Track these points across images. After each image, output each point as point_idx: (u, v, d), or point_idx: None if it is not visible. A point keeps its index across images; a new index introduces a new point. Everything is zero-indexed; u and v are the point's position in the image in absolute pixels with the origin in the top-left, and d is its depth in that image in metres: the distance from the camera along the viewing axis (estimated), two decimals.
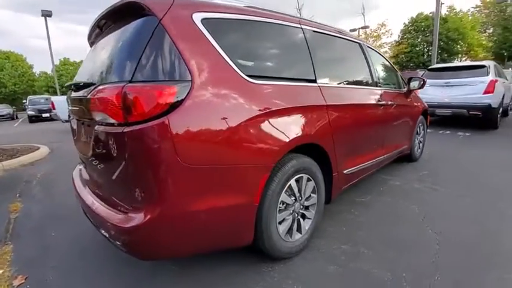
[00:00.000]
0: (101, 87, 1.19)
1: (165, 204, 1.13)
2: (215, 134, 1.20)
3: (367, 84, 2.47)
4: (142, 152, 1.08)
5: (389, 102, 2.67)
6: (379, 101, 2.49)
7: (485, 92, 5.66)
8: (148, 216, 1.11)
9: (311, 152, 1.72)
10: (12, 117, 19.13)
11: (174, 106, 1.10)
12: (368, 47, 2.67)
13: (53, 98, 8.88)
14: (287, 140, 1.47)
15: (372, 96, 2.44)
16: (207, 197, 1.23)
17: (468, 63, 6.98)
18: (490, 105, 5.62)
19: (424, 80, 3.07)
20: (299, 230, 1.73)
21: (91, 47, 1.90)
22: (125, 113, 1.08)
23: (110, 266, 1.71)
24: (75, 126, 1.79)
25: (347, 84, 2.21)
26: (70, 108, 1.67)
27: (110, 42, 1.38)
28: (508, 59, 22.18)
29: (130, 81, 1.09)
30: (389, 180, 3.08)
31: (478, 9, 32.66)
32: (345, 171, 2.07)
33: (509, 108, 7.97)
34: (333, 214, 2.25)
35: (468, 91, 5.83)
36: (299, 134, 1.55)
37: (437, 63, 13.18)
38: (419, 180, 3.02)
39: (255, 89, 1.39)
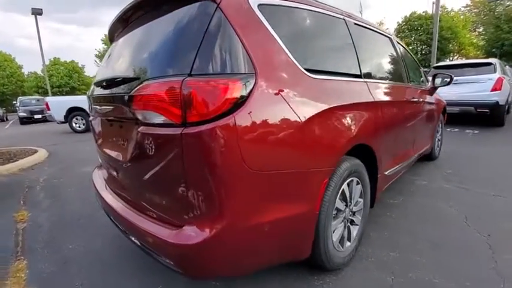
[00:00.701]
0: (149, 82, 1.02)
1: (230, 216, 0.97)
2: (280, 135, 1.05)
3: (401, 80, 2.35)
4: (206, 157, 0.92)
5: (420, 100, 2.56)
6: (412, 98, 2.38)
7: (493, 90, 5.64)
8: (212, 231, 0.95)
9: (358, 154, 1.58)
10: (1, 119, 18.49)
11: (240, 103, 0.95)
12: (397, 41, 2.56)
13: (48, 99, 8.54)
14: (345, 140, 1.33)
15: (406, 93, 2.32)
16: (272, 206, 1.08)
17: (474, 60, 6.98)
18: (497, 102, 5.61)
19: (451, 76, 2.97)
20: (349, 237, 1.59)
21: (112, 42, 1.73)
22: (184, 111, 0.92)
23: (139, 281, 1.54)
24: (99, 128, 1.62)
25: (386, 80, 2.08)
26: (97, 107, 1.49)
27: (149, 33, 1.21)
28: (500, 58, 22.59)
29: (189, 75, 0.93)
30: (416, 180, 2.97)
31: (468, 8, 33.30)
32: (386, 173, 1.95)
33: (510, 105, 8.03)
34: (371, 218, 2.12)
35: (476, 88, 5.80)
36: (355, 134, 1.41)
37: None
38: (445, 180, 2.93)
39: (314, 84, 1.24)
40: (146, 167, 1.09)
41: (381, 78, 1.99)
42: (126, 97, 1.11)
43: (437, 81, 3.07)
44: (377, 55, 2.15)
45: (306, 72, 1.22)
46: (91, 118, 1.76)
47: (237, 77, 0.96)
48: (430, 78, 3.19)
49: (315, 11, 1.44)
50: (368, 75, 1.75)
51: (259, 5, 1.13)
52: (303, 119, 1.12)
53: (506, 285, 1.41)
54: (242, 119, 0.94)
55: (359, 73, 1.66)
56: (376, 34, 2.15)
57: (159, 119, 0.99)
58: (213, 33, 0.97)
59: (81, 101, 8.24)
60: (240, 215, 1.00)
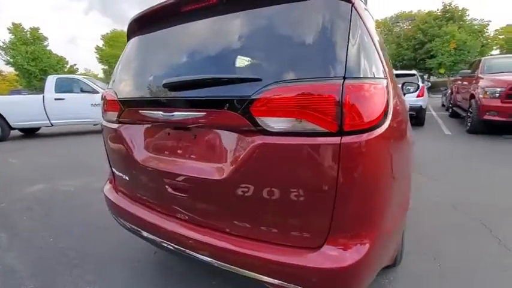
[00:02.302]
0: (287, 84, 0.87)
1: (380, 230, 0.94)
2: (402, 141, 1.06)
3: None
4: (367, 168, 0.86)
5: None
6: None
7: (418, 96, 6.86)
8: (367, 248, 0.89)
9: None
10: None
11: (388, 110, 0.92)
12: None
13: None
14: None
15: None
16: (396, 213, 1.07)
17: (402, 71, 8.33)
18: (421, 106, 6.86)
19: (418, 85, 3.49)
20: None
21: (140, 31, 1.40)
22: (342, 118, 0.83)
23: None
24: (141, 139, 1.32)
25: None
26: (149, 113, 1.20)
27: (250, 27, 1.03)
28: (401, 69, 27.63)
29: (344, 79, 0.85)
30: None
31: None
32: None
33: None
34: None
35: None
36: None
37: None
38: (417, 173, 3.42)
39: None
40: (268, 183, 0.95)
41: None
42: (241, 101, 0.94)
43: (408, 88, 3.58)
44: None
45: None
46: (116, 126, 1.41)
47: (384, 82, 0.93)
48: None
49: None
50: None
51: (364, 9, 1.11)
52: (406, 125, 1.16)
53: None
54: (391, 126, 0.92)
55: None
56: None
57: (303, 127, 0.87)
58: (355, 35, 0.91)
59: None
60: (385, 227, 0.97)
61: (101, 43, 36.73)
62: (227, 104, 0.98)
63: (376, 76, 0.93)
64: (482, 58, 7.14)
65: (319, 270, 0.90)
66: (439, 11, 26.30)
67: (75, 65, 33.15)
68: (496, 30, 30.61)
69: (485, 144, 4.91)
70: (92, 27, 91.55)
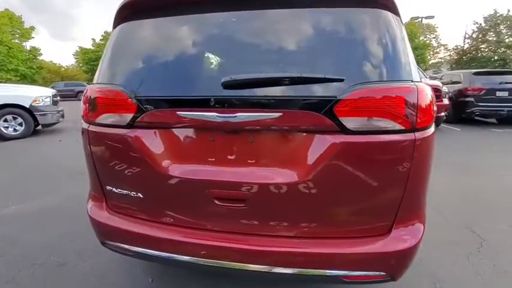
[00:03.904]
0: (371, 86, 0.93)
1: (425, 210, 1.14)
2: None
3: None
4: (428, 159, 1.04)
5: None
6: None
7: None
8: (424, 227, 1.09)
9: None
10: None
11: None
12: None
13: None
14: None
15: None
16: None
17: None
18: None
19: None
20: None
21: (164, 11, 1.13)
22: (416, 117, 0.95)
23: None
24: (181, 145, 1.13)
25: None
26: (215, 116, 0.99)
27: (313, 27, 1.03)
28: None
29: (411, 81, 0.97)
30: None
31: None
32: None
33: None
34: None
35: None
36: None
37: None
38: None
39: None
40: (350, 180, 0.99)
41: None
42: (325, 101, 0.94)
43: None
44: None
45: None
46: (125, 131, 1.12)
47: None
48: None
49: None
50: None
51: None
52: None
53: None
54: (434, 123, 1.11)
55: None
56: None
57: (381, 125, 0.95)
58: (407, 44, 1.05)
59: None
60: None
61: None
62: (308, 104, 0.96)
63: (420, 80, 1.10)
64: None
65: (395, 253, 1.02)
66: None
67: None
68: None
69: None
70: None
